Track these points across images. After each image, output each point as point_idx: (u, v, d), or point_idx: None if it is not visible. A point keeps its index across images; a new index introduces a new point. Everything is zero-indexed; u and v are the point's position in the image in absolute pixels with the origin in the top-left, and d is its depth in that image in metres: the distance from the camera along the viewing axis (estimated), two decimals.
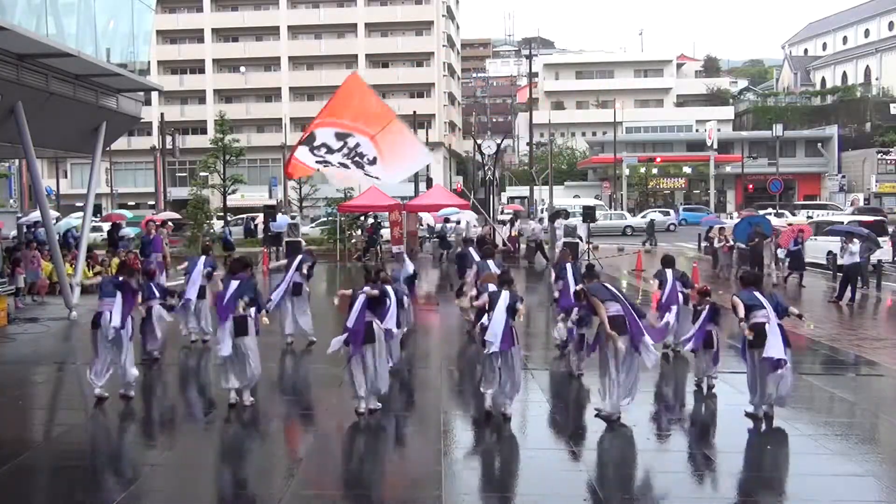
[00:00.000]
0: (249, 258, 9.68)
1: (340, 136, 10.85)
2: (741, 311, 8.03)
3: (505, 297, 7.92)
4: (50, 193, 35.63)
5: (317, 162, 10.88)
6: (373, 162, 10.84)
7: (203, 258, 11.90)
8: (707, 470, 6.86)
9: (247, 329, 8.55)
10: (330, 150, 10.81)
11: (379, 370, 8.14)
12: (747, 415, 8.07)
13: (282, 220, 27.03)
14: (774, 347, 7.73)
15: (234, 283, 8.66)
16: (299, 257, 12.04)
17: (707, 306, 9.37)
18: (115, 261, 16.13)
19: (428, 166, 49.50)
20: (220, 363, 8.60)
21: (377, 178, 11.36)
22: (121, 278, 9.15)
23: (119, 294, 8.84)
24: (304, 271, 11.78)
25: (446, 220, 27.30)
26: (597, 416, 7.91)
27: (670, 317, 11.01)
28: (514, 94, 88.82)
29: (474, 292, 9.77)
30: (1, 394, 9.50)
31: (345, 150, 10.81)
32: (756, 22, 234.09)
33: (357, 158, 10.84)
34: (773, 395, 7.91)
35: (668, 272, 10.90)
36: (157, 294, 10.79)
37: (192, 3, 63.63)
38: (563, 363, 9.99)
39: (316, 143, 10.87)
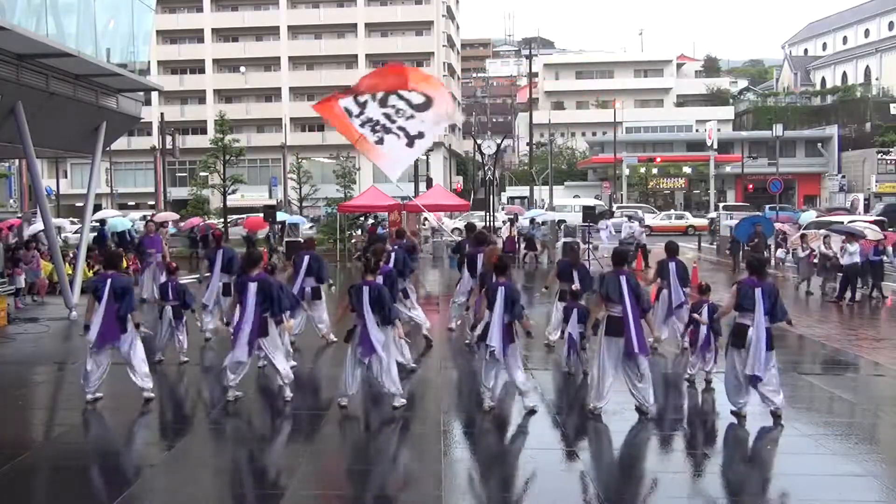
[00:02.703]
0: (260, 252, 9.59)
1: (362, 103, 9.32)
2: (727, 305, 8.26)
3: (502, 293, 7.95)
4: (50, 193, 35.62)
5: (360, 125, 9.41)
6: (419, 109, 9.16)
7: (220, 251, 11.97)
8: (707, 469, 6.86)
9: (267, 330, 8.48)
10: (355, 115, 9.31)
11: (381, 372, 8.15)
12: (732, 413, 8.05)
13: (291, 220, 27.12)
14: (754, 363, 7.73)
15: (253, 288, 8.32)
16: (306, 259, 11.48)
17: (706, 304, 9.37)
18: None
19: (428, 166, 49.59)
20: (229, 364, 8.53)
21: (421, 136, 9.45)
22: (109, 274, 8.55)
23: (104, 297, 8.30)
24: (315, 279, 11.43)
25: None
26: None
27: (675, 326, 10.95)
28: (514, 94, 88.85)
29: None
30: (1, 394, 9.50)
31: (368, 115, 9.27)
32: (756, 22, 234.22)
33: (389, 120, 9.20)
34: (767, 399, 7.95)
35: (671, 265, 10.74)
36: (171, 296, 10.58)
37: (192, 3, 63.65)
38: (565, 363, 9.98)
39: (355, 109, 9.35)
